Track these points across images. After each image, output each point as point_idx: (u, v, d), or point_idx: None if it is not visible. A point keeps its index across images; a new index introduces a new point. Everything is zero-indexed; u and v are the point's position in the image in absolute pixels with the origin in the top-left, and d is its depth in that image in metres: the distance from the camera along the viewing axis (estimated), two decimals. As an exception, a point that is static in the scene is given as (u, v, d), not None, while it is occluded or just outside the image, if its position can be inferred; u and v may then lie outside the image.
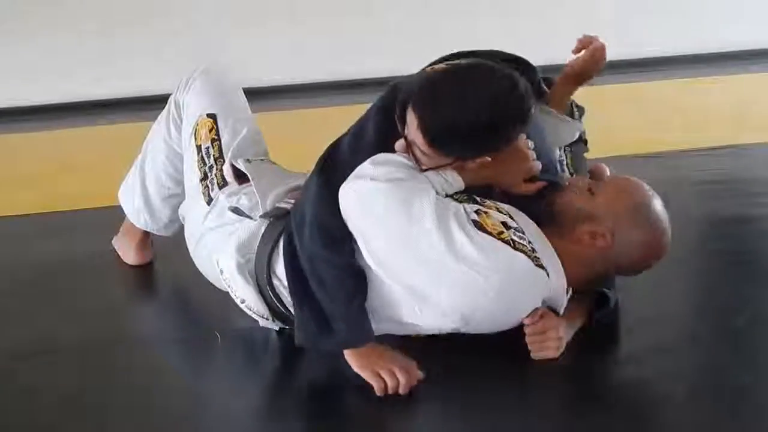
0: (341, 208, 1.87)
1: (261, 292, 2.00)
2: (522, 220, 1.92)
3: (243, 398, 1.91)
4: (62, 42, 4.58)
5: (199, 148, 2.27)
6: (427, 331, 1.94)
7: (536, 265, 1.86)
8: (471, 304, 1.86)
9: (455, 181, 1.93)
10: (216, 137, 2.25)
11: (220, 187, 2.18)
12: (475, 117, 1.80)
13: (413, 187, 1.86)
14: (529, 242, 1.87)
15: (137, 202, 2.44)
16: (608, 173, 2.01)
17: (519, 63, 2.19)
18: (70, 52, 4.61)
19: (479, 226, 1.84)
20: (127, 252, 2.52)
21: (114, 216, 2.54)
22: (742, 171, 3.10)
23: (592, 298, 2.05)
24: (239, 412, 1.86)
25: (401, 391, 1.86)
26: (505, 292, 1.86)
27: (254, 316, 2.03)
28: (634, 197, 1.97)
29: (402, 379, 1.86)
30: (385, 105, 1.97)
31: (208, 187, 2.20)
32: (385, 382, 1.86)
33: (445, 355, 1.95)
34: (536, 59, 2.37)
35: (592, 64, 2.33)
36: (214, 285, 2.15)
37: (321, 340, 1.90)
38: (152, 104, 4.56)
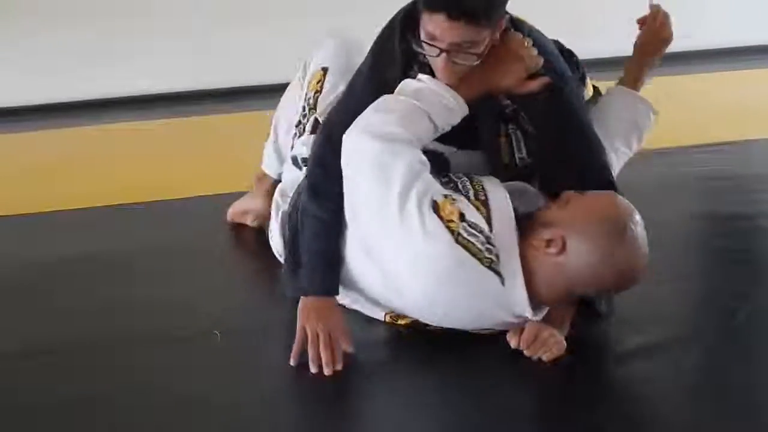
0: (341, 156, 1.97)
1: (283, 234, 2.23)
2: (499, 224, 1.89)
3: (242, 397, 1.90)
4: (61, 41, 4.58)
5: (306, 96, 2.42)
6: (398, 311, 1.99)
7: (486, 266, 1.85)
8: (422, 288, 1.90)
9: (458, 105, 1.96)
10: (319, 89, 2.39)
11: (300, 135, 2.36)
12: None
13: (398, 147, 1.92)
14: (486, 243, 1.85)
15: (269, 149, 2.57)
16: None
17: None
18: (69, 51, 4.60)
19: (435, 207, 1.86)
20: (253, 200, 2.62)
21: (114, 215, 2.54)
22: (746, 167, 3.09)
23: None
24: (238, 410, 1.85)
25: (312, 369, 1.91)
26: (447, 284, 1.88)
27: (277, 256, 2.29)
28: (601, 212, 1.89)
29: (324, 355, 1.91)
30: (375, 48, 2.10)
31: (296, 134, 2.38)
32: (305, 341, 1.94)
33: (438, 353, 1.96)
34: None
35: (652, 35, 2.40)
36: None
37: (288, 287, 2.05)
38: (152, 104, 4.60)
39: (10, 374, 2.02)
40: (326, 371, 1.90)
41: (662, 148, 3.24)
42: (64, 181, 3.28)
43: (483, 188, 1.96)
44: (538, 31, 2.10)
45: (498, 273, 1.85)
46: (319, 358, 1.92)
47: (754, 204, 2.72)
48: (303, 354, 1.95)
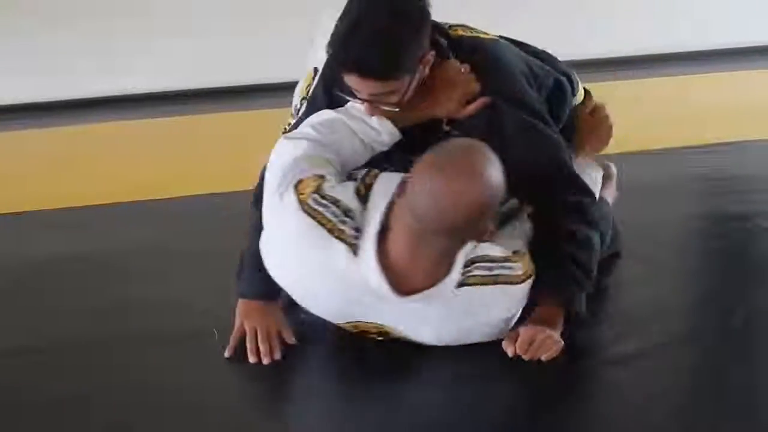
0: None
1: None
2: (373, 203, 1.90)
3: (240, 395, 1.91)
4: (61, 40, 4.58)
5: (294, 104, 2.47)
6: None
7: (334, 236, 1.85)
8: (278, 260, 1.96)
9: (383, 127, 2.04)
10: (306, 95, 2.37)
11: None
12: (378, 23, 1.92)
13: (300, 143, 2.01)
14: (343, 215, 1.86)
15: None
16: None
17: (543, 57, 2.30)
18: (68, 51, 4.61)
19: (296, 184, 1.91)
20: None
21: (113, 215, 2.53)
22: (742, 168, 3.10)
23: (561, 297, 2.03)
24: (237, 409, 1.85)
25: (251, 359, 1.96)
26: (294, 252, 1.92)
27: None
28: (442, 150, 1.85)
29: (262, 348, 1.96)
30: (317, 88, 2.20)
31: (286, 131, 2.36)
32: (242, 337, 1.99)
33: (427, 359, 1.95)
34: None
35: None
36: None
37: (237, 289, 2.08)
38: (151, 103, 4.61)
39: (5, 372, 2.02)
40: (264, 361, 1.95)
41: (659, 149, 3.27)
42: (61, 179, 3.28)
43: (377, 175, 2.00)
44: (495, 52, 2.13)
45: (349, 244, 1.85)
46: (258, 351, 1.97)
47: (751, 204, 2.72)
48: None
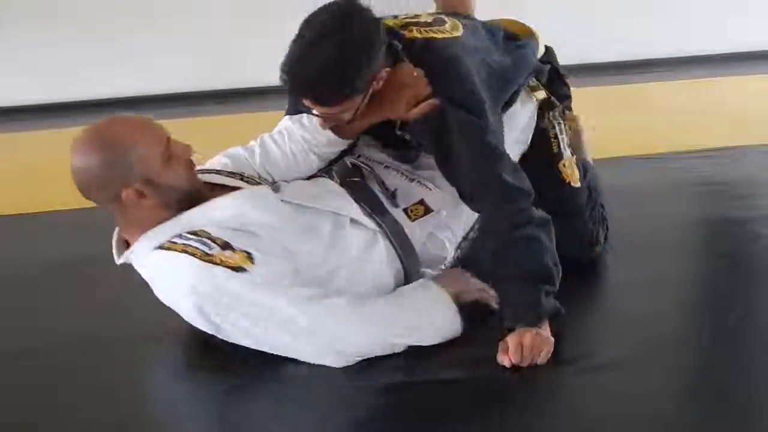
0: None
1: None
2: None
3: (240, 395, 1.91)
4: (61, 42, 4.59)
5: None
6: None
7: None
8: None
9: (330, 141, 2.13)
10: None
11: None
12: (327, 50, 1.92)
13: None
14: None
15: None
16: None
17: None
18: (69, 52, 4.62)
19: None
20: None
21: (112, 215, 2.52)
22: (739, 173, 3.10)
23: None
24: (237, 408, 1.86)
25: None
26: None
27: None
28: None
29: None
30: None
31: None
32: None
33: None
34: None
35: None
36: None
37: None
38: (152, 104, 4.61)
39: (10, 373, 2.04)
40: None
41: (657, 154, 3.27)
42: (64, 181, 3.28)
43: None
44: (447, 53, 2.12)
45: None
46: None
47: (748, 209, 2.73)
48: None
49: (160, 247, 1.92)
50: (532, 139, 2.38)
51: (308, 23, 1.98)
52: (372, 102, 2.05)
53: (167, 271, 1.92)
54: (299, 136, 2.18)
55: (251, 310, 1.88)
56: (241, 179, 2.09)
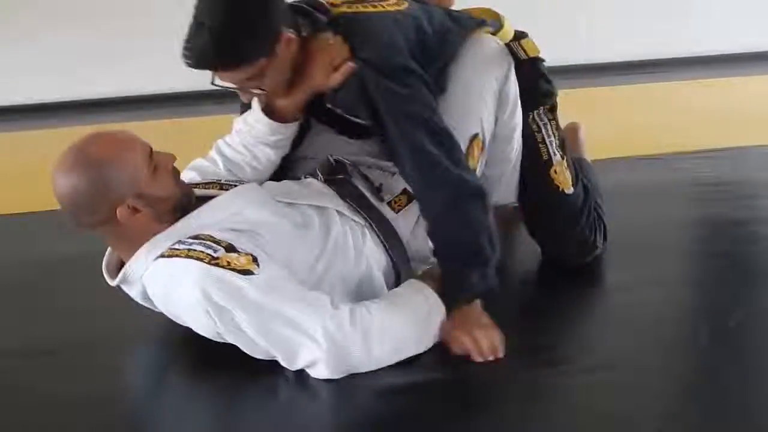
0: None
1: None
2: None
3: (241, 395, 1.91)
4: (62, 42, 4.58)
5: None
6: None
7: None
8: None
9: (266, 125, 2.11)
10: None
11: None
12: (215, 17, 1.92)
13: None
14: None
15: None
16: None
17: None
18: (70, 52, 4.61)
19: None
20: None
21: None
22: (738, 173, 3.10)
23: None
24: (237, 408, 1.86)
25: None
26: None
27: None
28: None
29: None
30: None
31: None
32: None
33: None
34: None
35: None
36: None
37: None
38: (153, 104, 4.61)
39: (10, 373, 2.03)
40: None
41: (658, 154, 3.27)
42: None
43: None
44: (369, 24, 2.09)
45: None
46: None
47: (749, 210, 2.73)
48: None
49: (161, 256, 1.90)
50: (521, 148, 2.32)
51: None
52: (294, 75, 2.05)
53: (173, 279, 1.88)
54: (246, 132, 2.17)
55: (258, 315, 1.85)
56: (221, 188, 2.07)
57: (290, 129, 2.16)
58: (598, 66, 4.68)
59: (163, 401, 1.95)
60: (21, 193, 3.18)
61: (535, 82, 2.32)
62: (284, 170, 2.25)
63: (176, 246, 1.89)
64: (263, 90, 2.04)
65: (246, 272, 1.84)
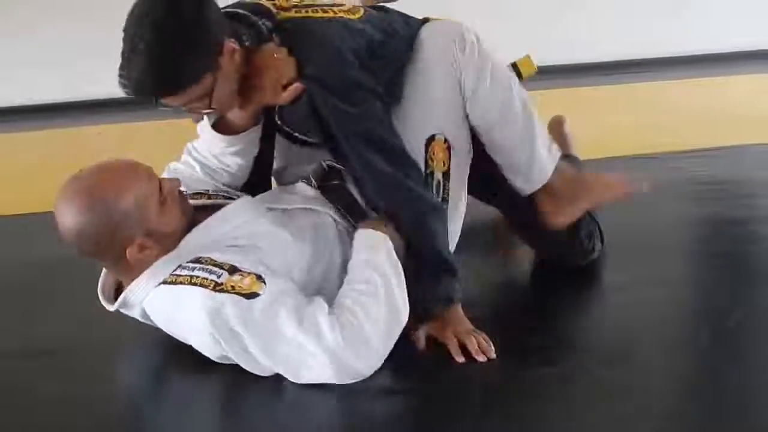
0: None
1: None
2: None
3: (240, 396, 1.91)
4: (62, 40, 4.58)
5: None
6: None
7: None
8: None
9: (205, 136, 2.05)
10: None
11: None
12: (145, 41, 1.76)
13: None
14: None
15: None
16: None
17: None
18: (72, 52, 4.61)
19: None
20: None
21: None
22: (736, 172, 3.11)
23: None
24: (236, 408, 1.86)
25: None
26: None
27: None
28: None
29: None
30: None
31: None
32: None
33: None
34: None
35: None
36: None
37: None
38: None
39: (10, 374, 2.04)
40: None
41: (656, 153, 3.27)
42: (63, 181, 3.27)
43: None
44: (317, 33, 1.99)
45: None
46: None
47: (748, 209, 2.74)
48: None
49: (164, 283, 1.87)
50: None
51: (128, 17, 1.82)
52: (241, 87, 1.95)
53: (177, 306, 1.86)
54: (209, 142, 2.09)
55: (263, 336, 1.83)
56: (209, 198, 2.05)
57: (248, 136, 2.07)
58: (594, 65, 4.67)
59: (163, 402, 1.95)
60: (22, 193, 3.18)
61: None
62: (274, 178, 2.23)
63: (178, 272, 1.85)
64: (212, 108, 1.93)
65: (251, 295, 1.81)
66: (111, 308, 1.96)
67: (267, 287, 1.83)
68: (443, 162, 2.11)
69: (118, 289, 1.98)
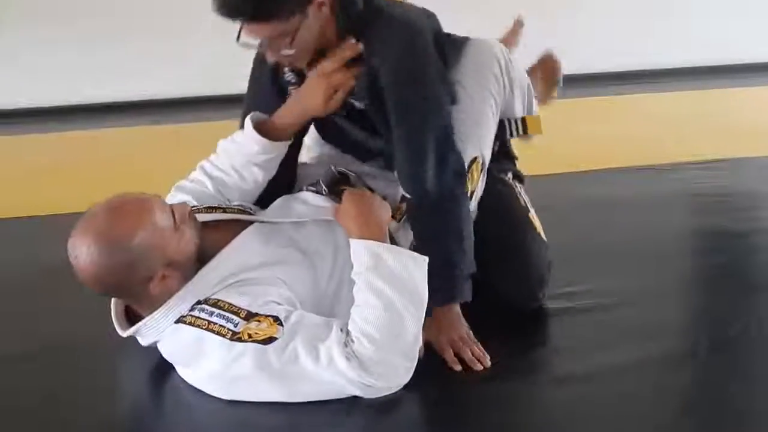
0: None
1: None
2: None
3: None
4: (63, 45, 4.60)
5: None
6: None
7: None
8: None
9: (249, 138, 2.09)
10: None
11: None
12: None
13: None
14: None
15: None
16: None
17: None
18: (72, 56, 4.63)
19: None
20: None
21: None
22: (739, 184, 3.11)
23: None
24: (236, 408, 1.86)
25: None
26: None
27: None
28: None
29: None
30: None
31: None
32: None
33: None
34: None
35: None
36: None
37: None
38: (155, 109, 4.62)
39: (11, 375, 2.04)
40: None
41: (657, 165, 3.28)
42: (65, 184, 3.29)
43: None
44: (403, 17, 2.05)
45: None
46: None
47: (748, 221, 2.74)
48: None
49: (182, 321, 1.86)
50: (496, 199, 2.27)
51: None
52: (317, 55, 2.02)
53: (194, 348, 1.85)
54: (235, 152, 2.14)
55: (282, 380, 1.82)
56: (224, 211, 2.06)
57: (280, 149, 2.13)
58: (595, 76, 4.66)
59: (163, 402, 1.95)
60: (23, 196, 3.19)
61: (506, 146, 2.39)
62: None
63: (197, 314, 1.84)
64: (290, 51, 1.98)
65: (268, 340, 1.80)
66: (124, 335, 1.95)
67: (286, 325, 1.81)
68: (476, 182, 2.17)
69: (127, 311, 1.97)
